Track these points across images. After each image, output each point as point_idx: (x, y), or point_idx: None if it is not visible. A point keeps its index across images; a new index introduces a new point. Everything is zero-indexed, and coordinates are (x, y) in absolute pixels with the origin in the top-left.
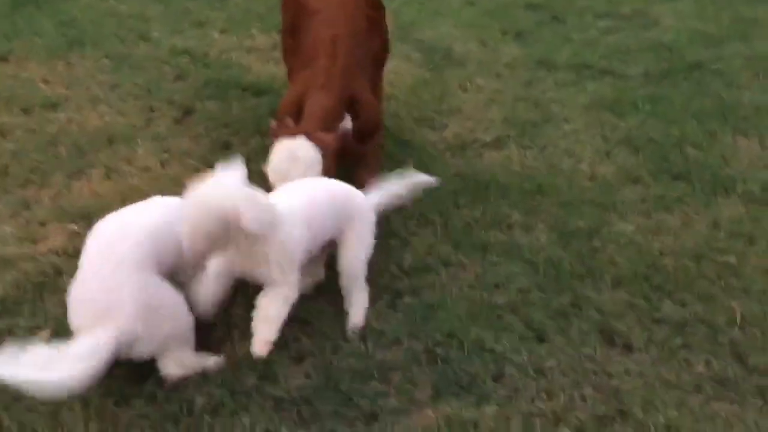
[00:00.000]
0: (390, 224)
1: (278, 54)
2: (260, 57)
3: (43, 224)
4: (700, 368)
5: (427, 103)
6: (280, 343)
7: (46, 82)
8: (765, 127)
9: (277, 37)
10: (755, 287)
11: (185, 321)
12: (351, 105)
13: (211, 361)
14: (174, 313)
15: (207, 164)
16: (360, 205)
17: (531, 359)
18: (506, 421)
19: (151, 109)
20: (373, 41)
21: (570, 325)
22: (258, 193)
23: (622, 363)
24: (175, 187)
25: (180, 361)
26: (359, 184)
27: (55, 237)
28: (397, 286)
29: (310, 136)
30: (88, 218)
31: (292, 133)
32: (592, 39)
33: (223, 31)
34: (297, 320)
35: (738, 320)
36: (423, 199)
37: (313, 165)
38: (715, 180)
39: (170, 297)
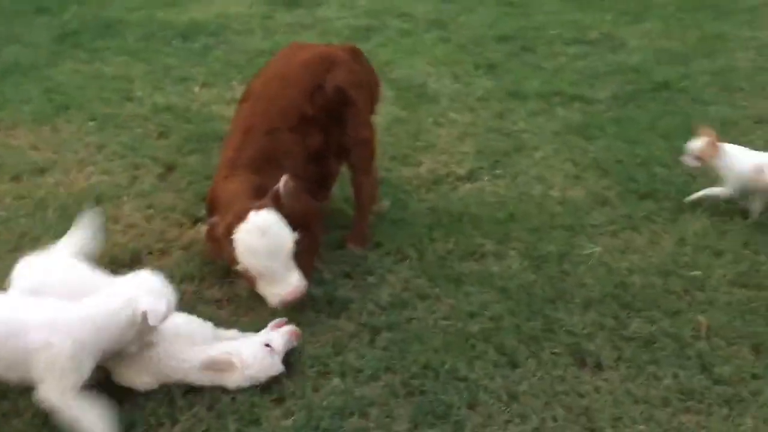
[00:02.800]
0: (367, 261)
1: None
2: None
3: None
4: (668, 382)
5: (402, 141)
6: (262, 387)
7: (34, 148)
8: (731, 140)
9: None
10: (721, 299)
11: None
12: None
13: None
14: None
15: (190, 217)
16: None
17: (504, 385)
18: None
19: (136, 167)
20: (309, 138)
21: (542, 349)
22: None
23: (593, 382)
24: (159, 243)
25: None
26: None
27: None
28: (374, 323)
29: (272, 205)
30: None
31: (239, 213)
32: (562, 66)
33: (204, 85)
34: None
35: (703, 332)
36: (398, 234)
37: (287, 236)
38: (681, 197)
39: None
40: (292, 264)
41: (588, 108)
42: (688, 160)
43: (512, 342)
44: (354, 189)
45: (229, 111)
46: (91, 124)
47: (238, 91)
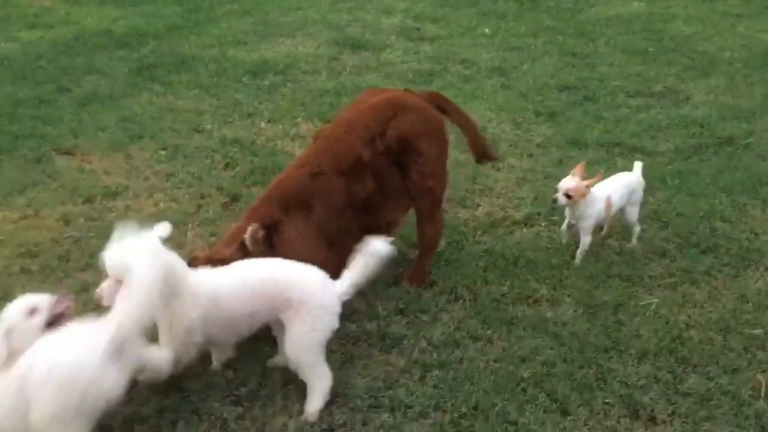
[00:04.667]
0: (421, 300)
1: None
2: (304, 143)
3: (101, 306)
4: None
5: (460, 183)
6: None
7: (107, 173)
8: None
9: (320, 124)
10: None
11: None
12: (269, 234)
13: None
14: None
15: None
16: (308, 291)
17: None
18: None
19: (202, 196)
20: (358, 185)
21: (594, 398)
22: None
23: None
24: None
25: None
26: None
27: None
28: (426, 361)
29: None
30: None
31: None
32: (624, 117)
33: (270, 121)
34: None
35: (763, 392)
36: (453, 275)
37: None
38: (743, 253)
39: None
40: None
41: (649, 160)
42: (560, 198)
43: (564, 389)
44: (418, 232)
45: (292, 146)
46: (162, 153)
47: (302, 127)
